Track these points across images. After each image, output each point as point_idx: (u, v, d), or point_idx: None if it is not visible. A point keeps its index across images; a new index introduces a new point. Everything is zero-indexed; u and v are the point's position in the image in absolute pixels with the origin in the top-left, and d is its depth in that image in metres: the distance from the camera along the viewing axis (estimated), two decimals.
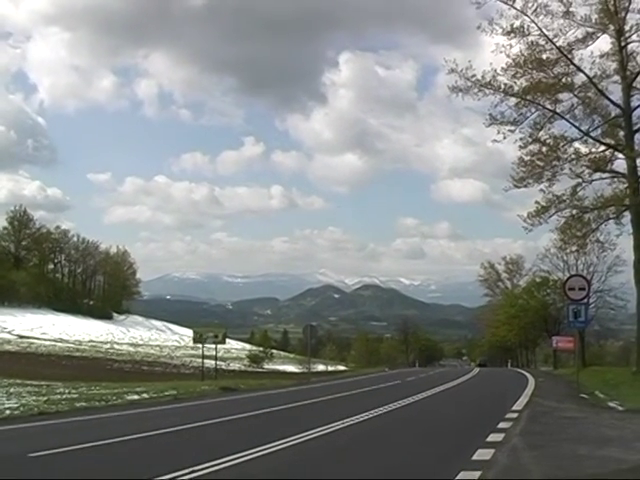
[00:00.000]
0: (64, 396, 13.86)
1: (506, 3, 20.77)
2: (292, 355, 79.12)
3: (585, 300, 15.34)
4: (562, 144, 22.02)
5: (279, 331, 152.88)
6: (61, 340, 54.64)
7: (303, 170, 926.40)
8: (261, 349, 55.40)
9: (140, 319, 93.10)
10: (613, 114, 21.85)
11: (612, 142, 22.25)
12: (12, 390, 15.13)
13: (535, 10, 20.54)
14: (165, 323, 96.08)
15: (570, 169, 22.05)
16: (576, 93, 21.50)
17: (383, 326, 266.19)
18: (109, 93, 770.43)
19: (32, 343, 47.50)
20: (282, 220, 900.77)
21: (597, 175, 22.27)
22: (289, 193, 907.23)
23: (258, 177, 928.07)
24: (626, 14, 20.50)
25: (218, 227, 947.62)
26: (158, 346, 63.18)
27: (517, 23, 20.68)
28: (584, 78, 21.25)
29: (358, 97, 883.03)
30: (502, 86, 21.36)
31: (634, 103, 21.33)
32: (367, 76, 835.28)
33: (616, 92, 21.44)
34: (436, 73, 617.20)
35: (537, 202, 22.38)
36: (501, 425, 8.12)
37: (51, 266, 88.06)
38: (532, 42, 20.91)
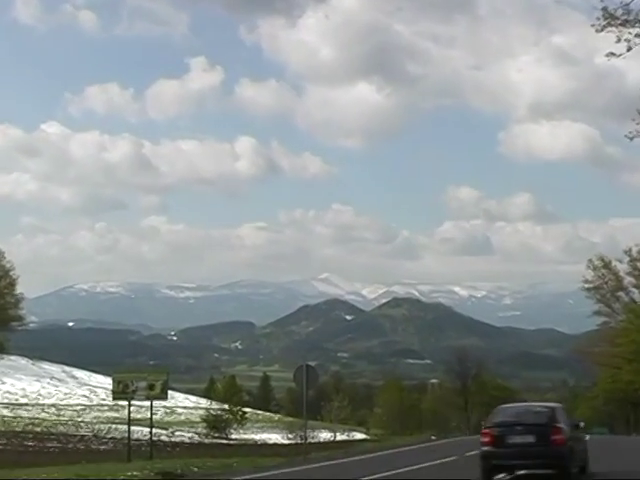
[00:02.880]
0: None
1: None
2: (277, 416, 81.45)
3: None
4: None
5: (256, 377, 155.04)
6: None
7: (288, 112, 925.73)
8: (226, 407, 56.48)
9: (23, 362, 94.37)
10: None
11: None
12: None
13: None
14: (66, 367, 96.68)
15: None
16: None
17: (426, 366, 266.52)
18: None
19: None
20: (256, 195, 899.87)
21: None
22: (266, 150, 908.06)
23: (215, 124, 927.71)
24: None
25: (151, 207, 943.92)
26: (54, 406, 62.93)
27: None
28: None
29: None
30: None
31: None
32: None
33: None
34: None
35: None
36: None
37: None
38: None
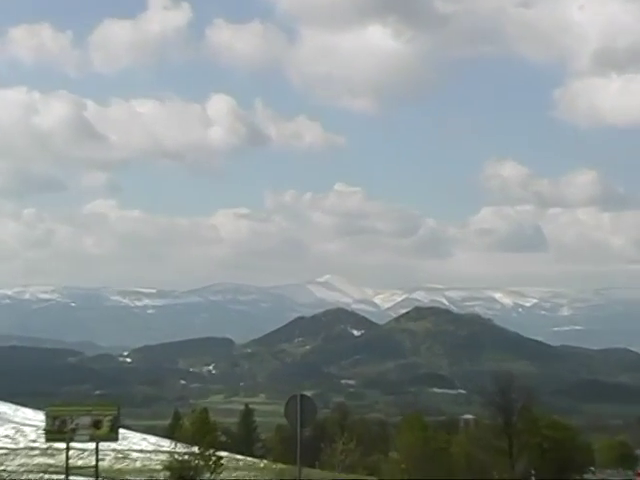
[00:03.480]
0: None
1: None
2: (263, 462, 79.64)
3: None
4: None
5: (235, 410, 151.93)
6: None
7: (277, 63, 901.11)
8: (196, 450, 52.03)
9: None
10: None
11: None
12: None
13: None
14: None
15: None
16: None
17: (458, 397, 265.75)
18: None
19: None
20: (235, 172, 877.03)
21: None
22: (249, 113, 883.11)
23: (180, 79, 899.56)
24: None
25: (97, 188, 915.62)
26: None
27: None
28: None
29: None
30: None
31: None
32: None
33: None
34: None
35: None
36: None
37: None
38: None
